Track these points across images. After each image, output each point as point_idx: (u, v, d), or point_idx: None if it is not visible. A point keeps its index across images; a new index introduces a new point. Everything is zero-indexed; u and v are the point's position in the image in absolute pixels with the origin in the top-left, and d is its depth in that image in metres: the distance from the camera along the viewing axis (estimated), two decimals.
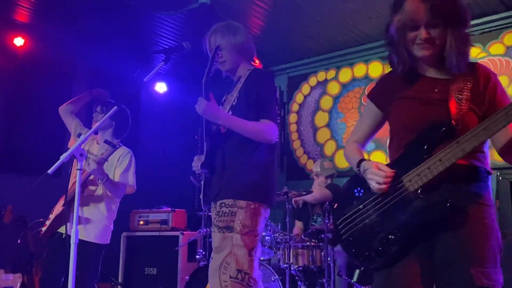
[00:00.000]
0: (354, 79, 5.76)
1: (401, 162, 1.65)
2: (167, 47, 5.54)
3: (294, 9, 4.75)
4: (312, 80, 6.13)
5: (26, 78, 5.21)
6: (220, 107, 2.50)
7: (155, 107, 6.52)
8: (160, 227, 5.31)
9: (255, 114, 2.34)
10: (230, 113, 2.44)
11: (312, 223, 4.76)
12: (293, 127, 6.24)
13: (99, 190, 3.14)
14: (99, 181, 3.05)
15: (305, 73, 6.21)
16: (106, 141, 2.96)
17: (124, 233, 5.41)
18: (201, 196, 2.47)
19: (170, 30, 5.24)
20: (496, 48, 4.77)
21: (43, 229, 3.05)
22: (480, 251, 1.54)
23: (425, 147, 1.58)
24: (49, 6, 4.72)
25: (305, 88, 6.19)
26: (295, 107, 6.25)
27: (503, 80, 4.67)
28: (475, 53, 4.85)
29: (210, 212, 2.50)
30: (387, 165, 1.69)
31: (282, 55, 6.00)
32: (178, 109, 6.67)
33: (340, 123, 5.79)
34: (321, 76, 6.07)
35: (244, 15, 4.89)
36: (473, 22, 4.81)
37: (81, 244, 2.90)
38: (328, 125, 5.90)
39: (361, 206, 1.70)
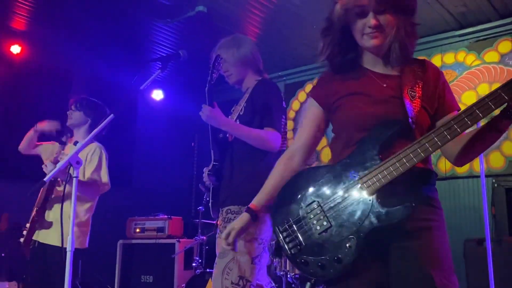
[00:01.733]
0: None
1: (352, 162, 1.49)
2: (163, 54, 5.58)
3: (290, 17, 4.78)
4: (309, 87, 6.15)
5: (23, 86, 5.22)
6: (229, 117, 2.56)
7: (152, 114, 6.53)
8: (156, 234, 5.30)
9: (260, 122, 2.38)
10: (237, 122, 2.48)
11: None
12: (289, 134, 6.24)
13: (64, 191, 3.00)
14: (62, 182, 2.88)
15: (301, 81, 6.23)
16: (75, 143, 2.85)
17: (120, 241, 5.40)
18: (209, 204, 2.49)
19: (167, 37, 5.26)
20: (491, 55, 4.80)
21: (21, 240, 2.95)
22: (440, 255, 1.47)
23: (379, 145, 1.45)
24: (46, 14, 4.73)
25: (302, 95, 6.20)
26: (291, 114, 6.26)
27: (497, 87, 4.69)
28: (470, 60, 4.89)
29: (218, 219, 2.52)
30: (332, 165, 1.54)
31: (279, 62, 6.02)
32: (175, 117, 6.68)
33: None
34: None
35: (241, 23, 4.92)
36: (468, 30, 4.91)
37: (45, 248, 2.86)
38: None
39: (308, 210, 1.51)
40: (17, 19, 4.81)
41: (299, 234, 1.51)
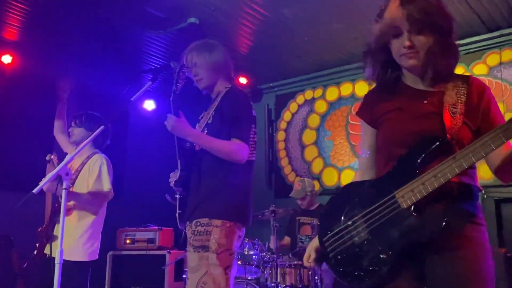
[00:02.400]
0: (340, 98, 5.83)
1: (392, 177, 1.55)
2: (155, 66, 5.59)
3: (282, 29, 4.81)
4: (300, 99, 6.19)
5: (13, 96, 5.19)
6: (197, 124, 2.53)
7: (143, 124, 6.51)
8: (147, 245, 5.27)
9: (227, 132, 2.34)
10: (206, 131, 2.44)
11: (299, 242, 4.76)
12: (281, 145, 6.27)
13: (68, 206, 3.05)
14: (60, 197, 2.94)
15: (292, 92, 6.27)
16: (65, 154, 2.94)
17: (110, 252, 5.35)
18: (176, 214, 2.46)
19: (158, 49, 5.27)
20: (480, 68, 4.87)
21: (35, 252, 3.02)
22: (479, 273, 1.48)
23: (419, 161, 1.48)
24: (37, 24, 4.73)
25: (293, 106, 6.24)
26: (283, 125, 6.29)
27: None
28: (459, 72, 4.91)
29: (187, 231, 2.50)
30: (376, 179, 1.62)
31: (270, 73, 6.06)
32: (166, 127, 6.66)
33: (328, 141, 5.83)
34: (308, 94, 6.12)
35: (233, 34, 4.94)
36: (457, 43, 4.95)
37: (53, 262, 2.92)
38: (315, 143, 5.94)
39: (350, 222, 1.59)
40: (9, 29, 4.80)
41: (339, 245, 1.60)
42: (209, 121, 2.46)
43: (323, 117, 5.93)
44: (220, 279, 2.22)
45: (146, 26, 4.77)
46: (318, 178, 5.68)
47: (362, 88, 5.64)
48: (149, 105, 6.44)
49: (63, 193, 2.00)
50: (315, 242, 1.74)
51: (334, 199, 1.72)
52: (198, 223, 2.29)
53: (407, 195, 1.47)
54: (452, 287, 1.46)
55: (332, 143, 5.79)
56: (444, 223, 1.41)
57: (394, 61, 1.62)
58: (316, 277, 4.00)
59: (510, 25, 4.69)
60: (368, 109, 1.73)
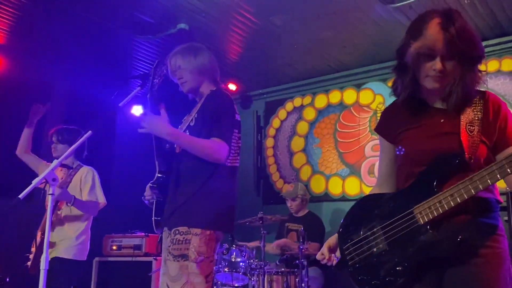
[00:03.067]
0: (329, 106, 5.86)
1: (411, 193, 1.61)
2: (144, 71, 5.58)
3: (272, 37, 4.83)
4: (289, 106, 6.21)
5: (0, 100, 5.14)
6: (179, 126, 2.49)
7: (131, 130, 6.46)
8: (133, 252, 5.22)
9: (208, 132, 2.29)
10: (187, 133, 2.39)
11: (287, 248, 4.75)
12: (269, 152, 6.28)
13: (63, 213, 3.22)
14: (68, 204, 3.08)
15: (281, 99, 6.29)
16: (63, 165, 3.00)
17: (97, 258, 5.30)
18: (153, 218, 2.41)
19: (147, 54, 5.26)
20: None
21: (29, 264, 3.05)
22: (492, 284, 1.51)
23: (437, 179, 1.54)
24: (26, 28, 4.70)
25: (282, 113, 6.25)
26: (271, 131, 6.30)
27: None
28: None
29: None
30: (394, 194, 1.69)
31: (260, 80, 6.07)
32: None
33: (316, 148, 5.85)
34: (297, 101, 6.15)
35: (223, 41, 4.96)
36: None
37: (52, 261, 3.00)
38: (304, 150, 5.95)
39: (369, 233, 1.66)
40: None
41: (359, 254, 1.67)
42: (191, 123, 2.42)
43: (312, 124, 5.95)
44: (200, 287, 2.20)
45: (135, 31, 4.76)
46: (306, 185, 5.68)
47: (350, 96, 5.68)
48: (137, 110, 6.40)
49: (49, 198, 1.98)
50: (331, 240, 1.81)
51: (354, 209, 1.77)
52: (177, 231, 2.24)
53: (425, 212, 1.53)
54: None
55: (320, 150, 5.81)
56: (458, 240, 1.47)
57: (416, 79, 1.64)
58: (303, 284, 4.00)
59: (496, 36, 4.76)
60: (387, 125, 1.79)
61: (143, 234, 5.32)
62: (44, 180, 1.95)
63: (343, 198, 5.51)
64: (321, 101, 5.94)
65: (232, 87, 5.83)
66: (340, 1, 4.17)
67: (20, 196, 1.93)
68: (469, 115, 1.58)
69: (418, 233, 1.54)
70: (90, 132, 2.11)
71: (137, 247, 5.23)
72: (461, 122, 1.57)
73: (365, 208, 1.73)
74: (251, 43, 4.99)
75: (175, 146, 2.39)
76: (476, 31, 4.74)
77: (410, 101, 1.68)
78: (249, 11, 4.36)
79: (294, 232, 4.91)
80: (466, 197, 1.46)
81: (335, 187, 5.60)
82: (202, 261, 2.21)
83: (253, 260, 4.31)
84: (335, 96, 5.83)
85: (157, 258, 5.09)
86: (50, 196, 1.99)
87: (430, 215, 1.51)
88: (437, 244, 1.51)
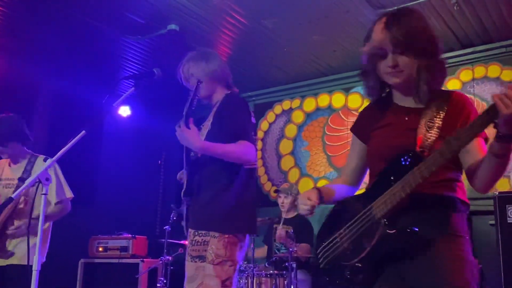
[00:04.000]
0: (318, 109, 5.89)
1: (373, 190, 1.64)
2: (133, 71, 5.54)
3: (262, 39, 4.84)
4: (277, 108, 6.22)
5: None
6: (200, 133, 2.49)
7: (118, 131, 6.43)
8: (119, 254, 5.18)
9: (230, 137, 2.31)
10: (203, 138, 2.43)
11: (275, 250, 4.76)
12: (258, 154, 6.28)
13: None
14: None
15: (270, 101, 6.30)
16: (45, 159, 2.88)
17: (82, 260, 5.25)
18: (183, 223, 2.45)
19: (137, 55, 5.23)
20: (453, 83, 5.00)
21: None
22: (451, 284, 1.50)
23: (394, 174, 1.56)
24: (10, 28, 4.63)
25: (270, 116, 6.26)
26: (260, 134, 6.30)
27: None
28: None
29: None
30: (361, 194, 1.71)
31: (249, 83, 6.07)
32: (142, 134, 6.60)
33: (304, 151, 5.87)
34: (286, 104, 6.16)
35: (212, 42, 4.95)
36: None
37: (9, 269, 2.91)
38: (292, 153, 5.97)
39: (336, 235, 1.70)
40: None
41: (328, 255, 1.72)
42: (209, 128, 2.46)
43: (300, 127, 5.97)
44: None
45: (125, 32, 4.73)
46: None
47: (339, 100, 5.72)
48: (125, 111, 6.36)
49: (42, 198, 1.96)
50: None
51: (330, 213, 1.80)
52: (197, 233, 2.29)
53: (380, 206, 1.56)
54: None
55: (308, 153, 5.83)
56: (408, 231, 1.50)
57: (382, 80, 1.70)
58: (292, 287, 4.01)
59: (483, 42, 4.84)
60: (361, 126, 1.85)
61: (129, 235, 5.29)
62: (37, 180, 1.93)
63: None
64: (309, 104, 5.96)
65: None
66: (331, 6, 4.20)
67: (12, 195, 1.91)
68: (432, 112, 1.62)
69: (375, 228, 1.56)
70: (84, 132, 2.09)
71: (124, 248, 5.19)
72: (422, 119, 1.62)
73: (337, 213, 1.78)
74: (241, 46, 5.00)
75: (199, 154, 2.43)
76: (464, 37, 4.77)
77: (380, 101, 1.75)
78: (240, 13, 4.36)
79: (282, 233, 4.91)
80: (414, 185, 1.47)
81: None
82: (219, 264, 2.19)
83: (242, 263, 4.31)
84: (323, 100, 5.86)
85: (144, 260, 5.06)
86: (42, 196, 1.96)
87: (385, 208, 1.54)
88: (390, 237, 1.53)
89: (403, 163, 1.55)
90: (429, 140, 1.56)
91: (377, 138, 1.72)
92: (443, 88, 1.71)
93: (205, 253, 2.22)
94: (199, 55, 2.55)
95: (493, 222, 3.93)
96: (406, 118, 1.67)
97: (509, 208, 3.79)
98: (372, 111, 1.80)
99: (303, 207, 1.71)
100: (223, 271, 2.20)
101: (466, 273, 1.52)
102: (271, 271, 4.19)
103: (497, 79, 4.80)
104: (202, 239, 2.25)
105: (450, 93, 1.68)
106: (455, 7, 4.12)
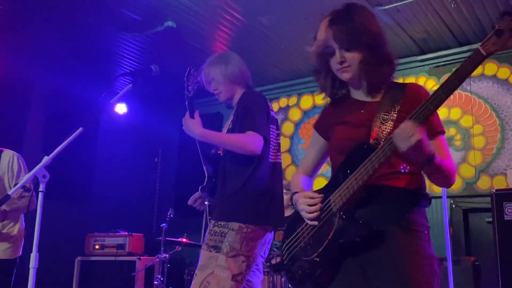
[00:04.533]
0: (315, 106, 5.88)
1: (332, 184, 1.63)
2: (130, 69, 5.52)
3: (259, 37, 4.84)
4: (274, 106, 6.21)
5: None
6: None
7: (114, 128, 6.41)
8: (116, 251, 5.17)
9: (241, 128, 2.33)
10: None
11: (274, 248, 4.75)
12: None
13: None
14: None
15: (267, 99, 6.28)
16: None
17: (79, 258, 5.23)
18: (207, 218, 2.48)
19: (134, 52, 5.21)
20: None
21: None
22: (407, 278, 1.49)
23: (350, 167, 1.56)
24: (6, 25, 4.60)
25: None
26: None
27: (456, 112, 4.89)
28: (430, 85, 5.07)
29: None
30: (323, 188, 1.68)
31: None
32: (138, 131, 6.59)
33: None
34: (283, 102, 6.16)
35: (209, 39, 4.94)
36: (428, 56, 5.11)
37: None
38: (289, 151, 5.97)
39: (299, 231, 1.69)
40: None
41: (290, 252, 1.71)
42: (230, 127, 2.48)
43: (297, 125, 5.97)
44: (225, 283, 2.16)
45: (121, 29, 4.71)
46: None
47: None
48: (121, 108, 6.34)
49: (40, 195, 1.94)
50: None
51: (293, 213, 1.78)
52: (216, 224, 2.30)
53: (337, 199, 1.56)
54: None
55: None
56: (361, 223, 1.49)
57: (335, 77, 1.72)
58: (289, 284, 4.00)
59: (480, 40, 4.81)
60: (322, 122, 1.85)
61: (126, 233, 5.28)
62: (34, 177, 1.92)
63: None
64: (306, 102, 5.96)
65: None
66: (328, 3, 4.18)
67: (9, 192, 1.90)
68: (387, 105, 1.62)
69: (333, 221, 1.56)
70: (81, 129, 2.08)
71: (120, 246, 5.19)
72: (377, 112, 1.62)
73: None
74: (238, 43, 4.99)
75: (218, 151, 2.47)
76: (461, 35, 4.77)
77: (341, 98, 1.77)
78: (237, 10, 4.35)
79: (281, 231, 4.91)
80: (366, 177, 1.48)
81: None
82: (233, 257, 2.19)
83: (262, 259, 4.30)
84: (320, 97, 5.84)
85: (141, 257, 5.05)
86: (40, 193, 1.95)
87: (341, 201, 1.54)
88: (345, 229, 1.52)
89: (357, 155, 1.55)
90: (384, 132, 1.56)
91: (337, 133, 1.73)
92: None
93: (221, 244, 2.24)
94: (217, 58, 2.58)
95: (490, 219, 3.94)
96: (362, 111, 1.68)
97: (506, 205, 3.80)
98: (333, 108, 1.81)
99: (310, 216, 1.62)
100: (235, 265, 2.19)
101: (423, 267, 1.51)
102: (269, 269, 4.18)
103: (494, 76, 4.81)
104: (220, 230, 2.27)
105: (405, 85, 1.69)
106: (452, 5, 4.13)
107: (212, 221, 2.33)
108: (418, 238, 1.55)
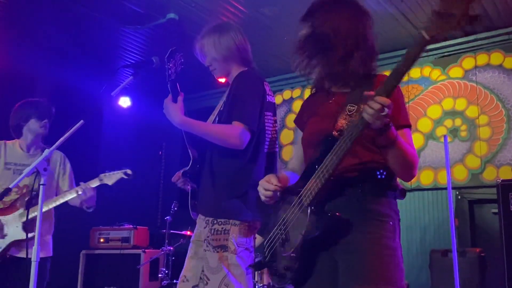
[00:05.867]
0: None
1: (303, 178, 1.62)
2: (132, 61, 5.50)
3: (262, 29, 4.80)
4: (278, 98, 6.18)
5: None
6: (212, 113, 2.41)
7: (118, 122, 6.41)
8: (121, 244, 5.17)
9: (229, 116, 2.17)
10: (217, 119, 2.31)
11: None
12: None
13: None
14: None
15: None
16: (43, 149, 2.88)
17: (84, 251, 5.24)
18: (190, 204, 2.36)
19: (136, 44, 5.19)
20: (455, 71, 4.95)
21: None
22: (370, 270, 1.50)
23: (317, 161, 1.55)
24: (8, 18, 4.59)
25: None
26: None
27: (461, 102, 4.85)
28: (435, 75, 5.02)
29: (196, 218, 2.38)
30: (295, 182, 1.68)
31: None
32: (142, 124, 6.58)
33: None
34: (286, 94, 6.12)
35: None
36: (433, 46, 5.04)
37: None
38: (293, 143, 5.93)
39: (276, 227, 1.69)
40: None
41: (270, 249, 1.71)
42: (221, 108, 2.30)
43: None
44: (241, 279, 2.12)
45: (124, 21, 4.69)
46: None
47: None
48: (125, 102, 6.33)
49: (41, 188, 1.93)
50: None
51: (274, 205, 1.74)
52: (215, 221, 2.17)
53: (307, 194, 1.56)
54: (347, 280, 1.51)
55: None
56: (329, 216, 1.51)
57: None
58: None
59: (486, 30, 4.79)
60: (300, 116, 1.85)
61: (131, 226, 5.28)
62: (35, 170, 1.90)
63: None
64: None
65: (221, 79, 5.77)
66: None
67: (10, 185, 1.89)
68: (355, 95, 1.60)
69: (305, 216, 1.56)
70: (82, 121, 2.06)
71: (125, 239, 5.19)
72: (344, 103, 1.62)
73: (279, 203, 1.72)
74: None
75: None
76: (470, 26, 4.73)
77: (317, 90, 1.79)
78: (239, 1, 4.32)
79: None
80: (331, 170, 1.48)
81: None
82: (242, 252, 2.14)
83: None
84: None
85: (146, 250, 5.05)
86: (41, 186, 1.94)
87: (310, 196, 1.54)
88: (315, 223, 1.53)
89: (323, 148, 1.54)
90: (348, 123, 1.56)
91: (308, 125, 1.74)
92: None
93: (227, 242, 2.13)
94: (211, 31, 2.36)
95: (496, 210, 3.91)
96: (330, 102, 1.69)
97: None
98: (311, 99, 1.82)
99: (264, 192, 1.64)
100: (244, 259, 2.15)
101: (387, 258, 1.52)
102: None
103: (500, 66, 4.75)
104: (222, 228, 2.14)
105: (374, 76, 1.68)
106: None
107: (210, 219, 2.19)
108: (382, 229, 1.55)
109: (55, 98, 5.61)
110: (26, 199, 2.83)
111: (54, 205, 2.92)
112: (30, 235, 2.77)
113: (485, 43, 4.86)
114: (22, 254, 2.80)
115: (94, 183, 2.88)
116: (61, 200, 2.97)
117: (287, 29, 4.83)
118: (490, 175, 4.58)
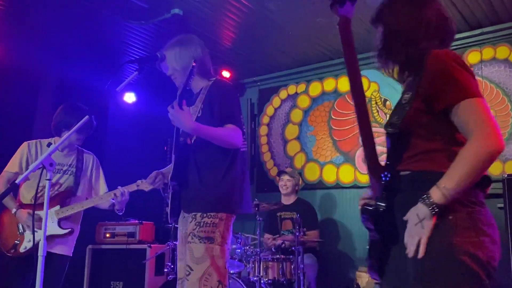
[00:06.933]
0: (323, 93, 5.83)
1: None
2: (137, 57, 5.50)
3: (266, 23, 4.78)
4: (283, 93, 6.17)
5: None
6: None
7: (123, 117, 6.42)
8: (127, 239, 5.19)
9: (219, 122, 2.39)
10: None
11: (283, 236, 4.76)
12: (263, 139, 6.26)
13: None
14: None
15: (275, 86, 6.25)
16: (48, 144, 3.03)
17: (90, 246, 5.27)
18: (167, 209, 2.53)
19: (140, 40, 5.19)
20: None
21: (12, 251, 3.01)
22: (418, 267, 1.46)
23: None
24: (13, 15, 4.60)
25: (276, 101, 6.22)
26: (265, 119, 6.27)
27: None
28: None
29: (176, 224, 2.59)
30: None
31: (253, 67, 6.03)
32: (147, 120, 6.58)
33: (310, 136, 5.84)
34: (291, 89, 6.12)
35: (217, 27, 4.90)
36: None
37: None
38: (298, 138, 5.94)
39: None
40: None
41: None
42: (199, 114, 2.49)
43: (306, 112, 5.93)
44: (222, 270, 2.30)
45: (128, 17, 4.69)
46: (300, 173, 5.69)
47: (344, 84, 5.65)
48: (130, 97, 6.35)
49: (47, 184, 1.94)
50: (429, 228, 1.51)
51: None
52: (204, 215, 2.34)
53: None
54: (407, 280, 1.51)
55: (314, 138, 5.80)
56: (382, 210, 1.59)
57: None
58: (298, 271, 4.01)
59: (491, 23, 4.75)
60: None
61: (137, 221, 5.30)
62: (41, 165, 1.91)
63: (337, 186, 5.51)
64: (315, 88, 5.91)
65: (225, 74, 5.77)
66: None
67: (16, 181, 1.90)
68: (409, 83, 1.68)
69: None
70: (87, 117, 2.07)
71: (131, 234, 5.22)
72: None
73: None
74: (245, 29, 4.94)
75: (187, 139, 2.51)
76: (472, 18, 4.70)
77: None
78: None
79: (288, 220, 4.91)
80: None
81: (329, 175, 5.60)
82: (224, 245, 2.35)
83: (249, 247, 4.31)
84: (329, 84, 5.81)
85: (152, 245, 5.07)
86: (47, 182, 1.95)
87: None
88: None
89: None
90: None
91: None
92: None
93: (214, 234, 2.32)
94: (174, 45, 2.59)
95: (501, 205, 3.89)
96: None
97: None
98: None
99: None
100: (226, 252, 2.36)
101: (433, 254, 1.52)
102: (278, 256, 4.19)
103: (506, 60, 4.72)
104: (211, 221, 2.33)
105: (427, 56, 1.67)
106: None
107: (199, 213, 2.35)
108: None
109: (60, 94, 5.64)
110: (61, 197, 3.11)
111: (90, 205, 3.20)
112: (65, 231, 3.10)
113: (491, 37, 4.82)
114: (53, 250, 3.07)
115: (132, 188, 3.03)
116: (98, 202, 3.27)
117: (291, 24, 4.82)
118: (495, 169, 4.56)
